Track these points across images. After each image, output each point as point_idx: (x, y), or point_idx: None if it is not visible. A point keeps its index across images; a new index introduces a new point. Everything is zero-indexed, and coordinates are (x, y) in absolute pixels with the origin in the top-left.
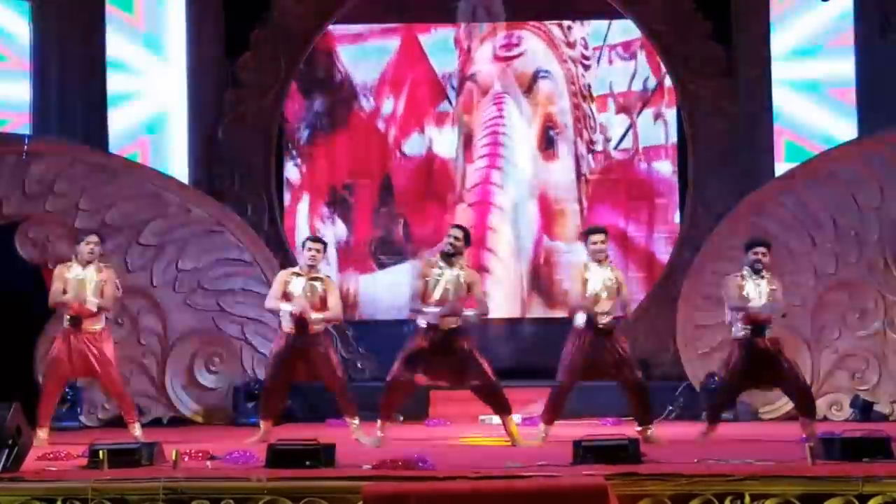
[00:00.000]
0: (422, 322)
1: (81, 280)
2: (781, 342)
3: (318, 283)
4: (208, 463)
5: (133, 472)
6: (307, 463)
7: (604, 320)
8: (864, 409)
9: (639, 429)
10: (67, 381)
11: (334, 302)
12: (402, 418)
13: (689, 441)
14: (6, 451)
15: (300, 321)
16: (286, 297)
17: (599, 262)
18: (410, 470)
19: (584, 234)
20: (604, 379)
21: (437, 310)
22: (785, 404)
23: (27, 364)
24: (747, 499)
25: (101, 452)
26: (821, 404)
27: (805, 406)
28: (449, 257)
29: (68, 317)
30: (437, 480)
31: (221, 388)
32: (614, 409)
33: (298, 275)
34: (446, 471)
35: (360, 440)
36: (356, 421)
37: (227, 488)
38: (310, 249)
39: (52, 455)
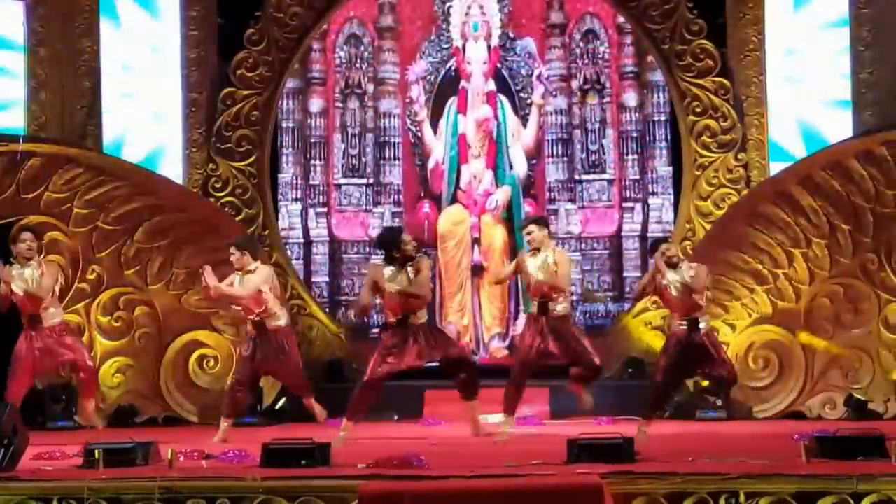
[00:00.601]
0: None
1: (25, 278)
2: (712, 332)
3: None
4: (204, 462)
5: (129, 471)
6: (303, 462)
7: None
8: (857, 408)
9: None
10: (33, 379)
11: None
12: (396, 417)
13: (683, 439)
14: (2, 450)
15: (257, 322)
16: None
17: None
18: (406, 469)
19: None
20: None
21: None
22: (779, 403)
23: None
24: (742, 497)
25: (96, 452)
26: (814, 403)
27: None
28: (395, 261)
29: (26, 316)
30: (432, 479)
31: (216, 388)
32: (609, 408)
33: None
34: (441, 470)
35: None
36: (311, 399)
37: (223, 487)
38: (232, 254)
39: (47, 455)
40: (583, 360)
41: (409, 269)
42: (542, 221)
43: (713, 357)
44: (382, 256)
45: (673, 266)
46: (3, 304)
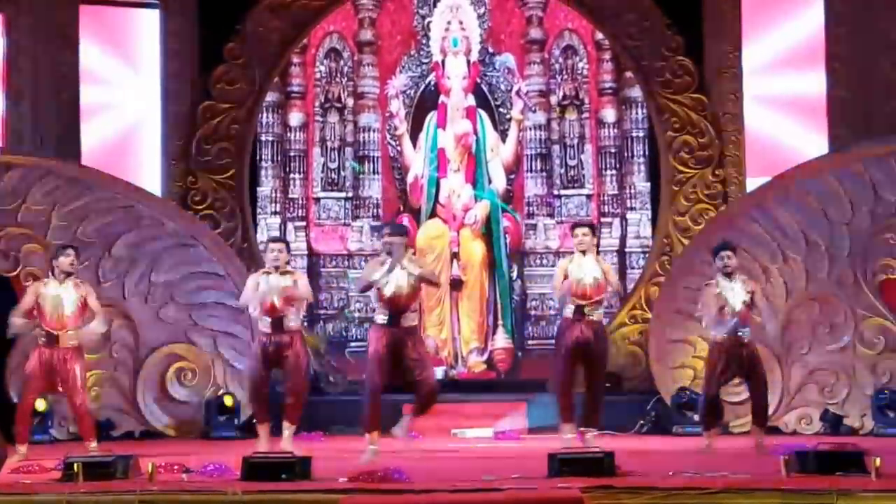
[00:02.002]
0: (380, 319)
1: (58, 296)
2: (757, 350)
3: (287, 277)
4: (184, 476)
5: (108, 484)
6: (283, 476)
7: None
8: (833, 423)
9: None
10: (41, 395)
11: (303, 284)
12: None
13: (662, 454)
14: None
15: (276, 321)
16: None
17: (583, 253)
18: (387, 483)
19: (571, 228)
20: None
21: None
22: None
23: None
24: None
25: (75, 465)
26: (791, 418)
27: (760, 415)
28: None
29: (45, 333)
30: (413, 493)
31: (193, 402)
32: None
33: (268, 273)
34: (422, 483)
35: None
36: (291, 429)
37: (203, 501)
38: (272, 250)
39: (25, 469)
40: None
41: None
42: (593, 227)
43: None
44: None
45: (728, 276)
46: (29, 320)
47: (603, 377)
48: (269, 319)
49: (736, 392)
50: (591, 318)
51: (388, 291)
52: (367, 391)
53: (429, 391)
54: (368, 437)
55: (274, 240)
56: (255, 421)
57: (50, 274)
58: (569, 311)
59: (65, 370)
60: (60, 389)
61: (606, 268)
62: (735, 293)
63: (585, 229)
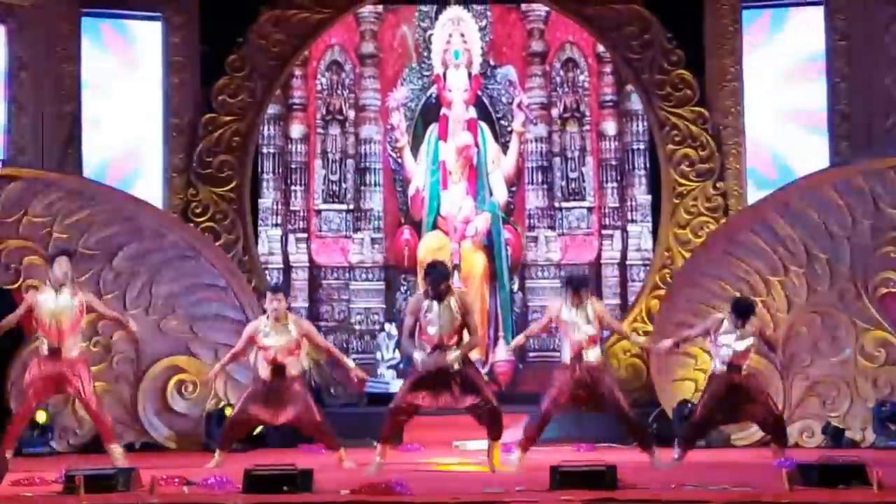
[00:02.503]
0: (418, 358)
1: (58, 308)
2: (757, 376)
3: (287, 330)
4: (185, 489)
5: (109, 497)
6: (285, 488)
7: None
8: (835, 436)
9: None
10: (39, 406)
11: (318, 336)
12: (376, 444)
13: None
14: None
15: (277, 368)
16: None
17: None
18: (388, 495)
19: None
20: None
21: (427, 357)
22: (757, 430)
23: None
24: None
25: (76, 478)
26: (792, 430)
27: (777, 434)
28: (436, 293)
29: (47, 345)
30: None
31: (194, 414)
32: (590, 435)
33: (267, 325)
34: (424, 496)
35: (348, 467)
36: (342, 451)
37: None
38: (272, 301)
39: (26, 481)
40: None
41: (452, 301)
42: (585, 281)
43: (755, 399)
44: (427, 285)
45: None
46: (27, 317)
47: (620, 403)
48: (270, 367)
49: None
50: (588, 360)
51: (431, 331)
52: (391, 406)
53: (485, 413)
54: (379, 447)
55: (274, 289)
56: (216, 444)
57: (46, 283)
58: (566, 356)
59: (73, 380)
60: (69, 396)
61: (601, 311)
62: (740, 342)
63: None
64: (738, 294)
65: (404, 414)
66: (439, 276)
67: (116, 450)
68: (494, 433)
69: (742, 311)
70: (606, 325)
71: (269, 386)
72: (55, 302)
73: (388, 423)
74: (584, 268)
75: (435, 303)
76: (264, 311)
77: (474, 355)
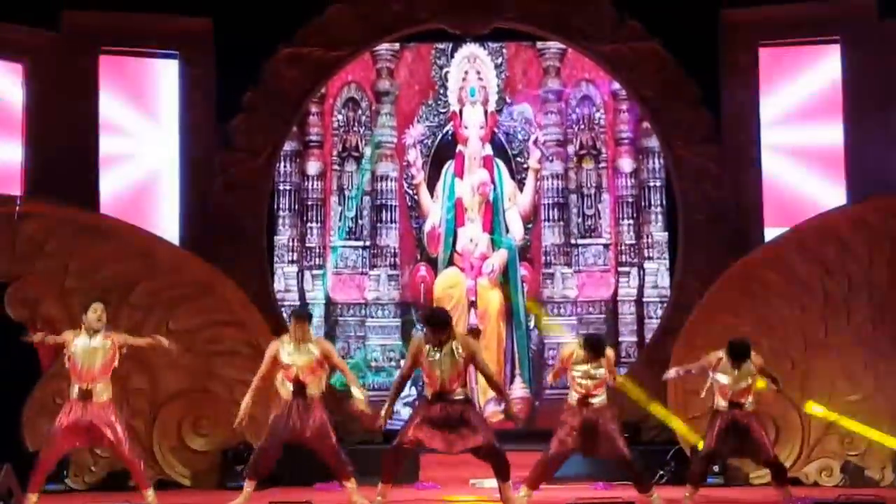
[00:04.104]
0: (427, 392)
1: (91, 350)
2: (758, 416)
3: (310, 349)
4: None
5: None
6: None
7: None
8: (854, 475)
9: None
10: (66, 452)
11: (338, 358)
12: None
13: None
14: None
15: (299, 386)
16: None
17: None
18: None
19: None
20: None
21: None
22: None
23: (14, 425)
24: None
25: None
26: (811, 469)
27: (775, 475)
28: (438, 340)
29: (77, 388)
30: None
31: (210, 451)
32: (604, 474)
33: (289, 344)
34: None
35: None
36: (352, 484)
37: None
38: (296, 328)
39: None
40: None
41: (454, 345)
42: (600, 344)
43: (753, 439)
44: (427, 332)
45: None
46: (45, 353)
47: (620, 448)
48: (293, 387)
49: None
50: (593, 404)
51: (434, 376)
52: (394, 444)
53: (488, 455)
54: (380, 487)
55: (298, 317)
56: (245, 474)
57: (81, 327)
58: (573, 398)
59: (104, 426)
60: (101, 444)
61: (610, 357)
62: (736, 381)
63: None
64: (754, 329)
65: (406, 453)
66: (440, 325)
67: (150, 495)
68: (502, 474)
69: (736, 352)
70: (611, 371)
71: (290, 407)
72: (89, 344)
73: (389, 460)
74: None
75: (437, 348)
76: None
77: (491, 393)
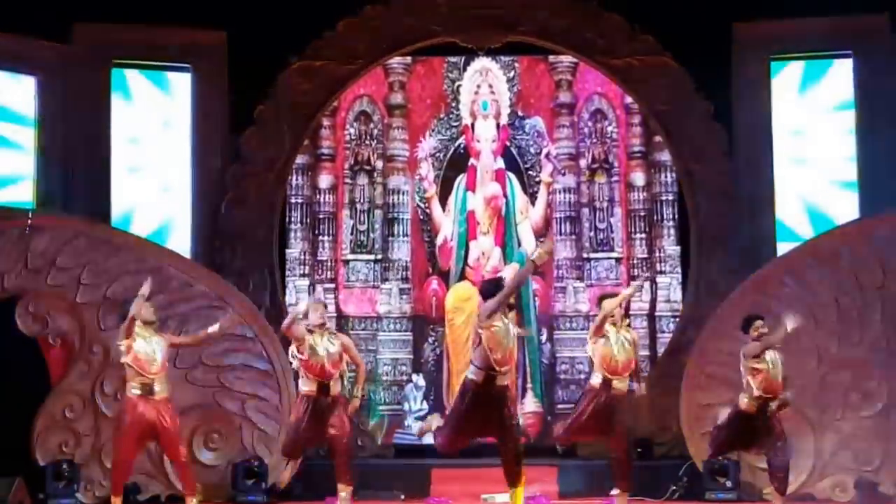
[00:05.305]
0: (472, 375)
1: (149, 345)
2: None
3: (335, 341)
4: None
5: None
6: None
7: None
8: (868, 490)
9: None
10: (139, 450)
11: (356, 351)
12: (403, 496)
13: None
14: None
15: (322, 384)
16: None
17: (614, 324)
18: None
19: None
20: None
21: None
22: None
23: (25, 438)
24: None
25: None
26: (825, 485)
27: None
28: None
29: (139, 384)
30: None
31: (220, 465)
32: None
33: (312, 332)
34: None
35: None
36: (347, 493)
37: None
38: (316, 310)
39: None
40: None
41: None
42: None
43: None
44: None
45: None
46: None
47: (626, 443)
48: (317, 382)
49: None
50: (616, 388)
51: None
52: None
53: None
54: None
55: (318, 303)
56: (286, 456)
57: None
58: (596, 379)
59: (162, 423)
60: (154, 441)
61: (633, 338)
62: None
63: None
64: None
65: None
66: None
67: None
68: (513, 478)
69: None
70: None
71: (314, 403)
72: (147, 341)
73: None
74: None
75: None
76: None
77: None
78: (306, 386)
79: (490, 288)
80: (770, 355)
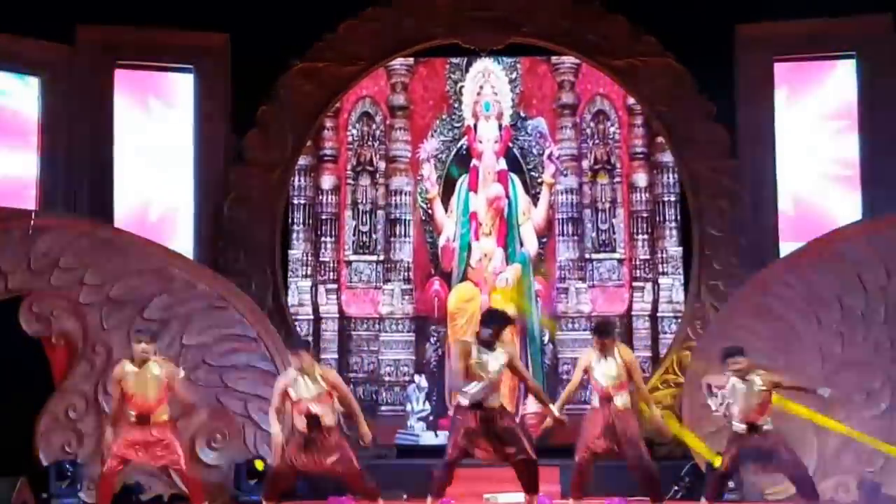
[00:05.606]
0: (463, 401)
1: (141, 382)
2: (778, 433)
3: (318, 377)
4: None
5: None
6: None
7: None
8: (871, 491)
9: None
10: (123, 466)
11: (343, 388)
12: (405, 496)
13: None
14: None
15: (312, 419)
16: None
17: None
18: None
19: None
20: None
21: (477, 389)
22: (791, 485)
23: (29, 438)
24: None
25: None
26: (827, 486)
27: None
28: (487, 344)
29: (133, 414)
30: None
31: (223, 465)
32: (619, 490)
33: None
34: None
35: None
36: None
37: None
38: (293, 359)
39: None
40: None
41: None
42: (609, 328)
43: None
44: (479, 336)
45: (741, 377)
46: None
47: (642, 452)
48: (307, 421)
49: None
50: (616, 406)
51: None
52: (446, 460)
53: (520, 463)
54: (430, 500)
55: (293, 349)
56: (262, 495)
57: (129, 359)
58: (596, 401)
59: (161, 445)
60: (159, 462)
61: (629, 361)
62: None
63: (601, 336)
64: (770, 344)
65: (455, 467)
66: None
67: None
68: (530, 486)
69: (729, 353)
70: (633, 376)
71: (306, 437)
72: (140, 377)
73: (443, 475)
74: (613, 317)
75: (485, 353)
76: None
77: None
78: (299, 424)
79: (491, 319)
80: (731, 383)
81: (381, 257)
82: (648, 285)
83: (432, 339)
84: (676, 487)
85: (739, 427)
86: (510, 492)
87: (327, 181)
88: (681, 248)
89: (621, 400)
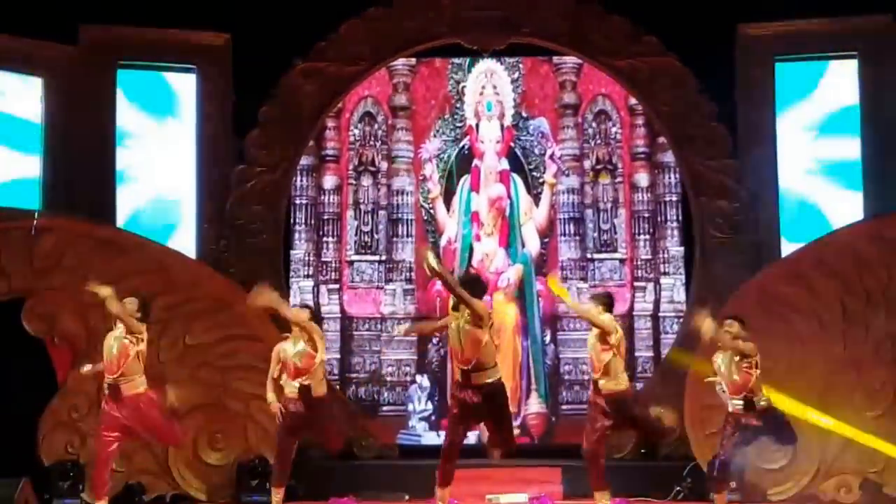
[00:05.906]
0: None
1: (108, 343)
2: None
3: (301, 341)
4: None
5: None
6: None
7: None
8: (872, 492)
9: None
10: (116, 448)
11: (309, 325)
12: (407, 497)
13: None
14: None
15: (303, 388)
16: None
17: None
18: None
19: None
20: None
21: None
22: (793, 486)
23: (31, 439)
24: None
25: None
26: (829, 486)
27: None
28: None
29: (106, 384)
30: None
31: (225, 465)
32: (623, 489)
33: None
34: None
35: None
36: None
37: None
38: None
39: None
40: None
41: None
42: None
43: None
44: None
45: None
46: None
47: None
48: (297, 385)
49: (773, 459)
50: (601, 388)
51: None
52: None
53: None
54: (439, 492)
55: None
56: (271, 483)
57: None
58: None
59: (137, 418)
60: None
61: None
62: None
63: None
64: (772, 345)
65: (457, 450)
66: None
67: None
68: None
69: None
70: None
71: (294, 411)
72: (110, 338)
73: (444, 463)
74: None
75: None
76: None
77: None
78: (289, 390)
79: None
80: (719, 358)
81: (383, 257)
82: (650, 285)
83: (434, 340)
84: (678, 488)
85: (736, 403)
86: (512, 492)
87: (329, 181)
88: (682, 248)
89: (609, 383)
